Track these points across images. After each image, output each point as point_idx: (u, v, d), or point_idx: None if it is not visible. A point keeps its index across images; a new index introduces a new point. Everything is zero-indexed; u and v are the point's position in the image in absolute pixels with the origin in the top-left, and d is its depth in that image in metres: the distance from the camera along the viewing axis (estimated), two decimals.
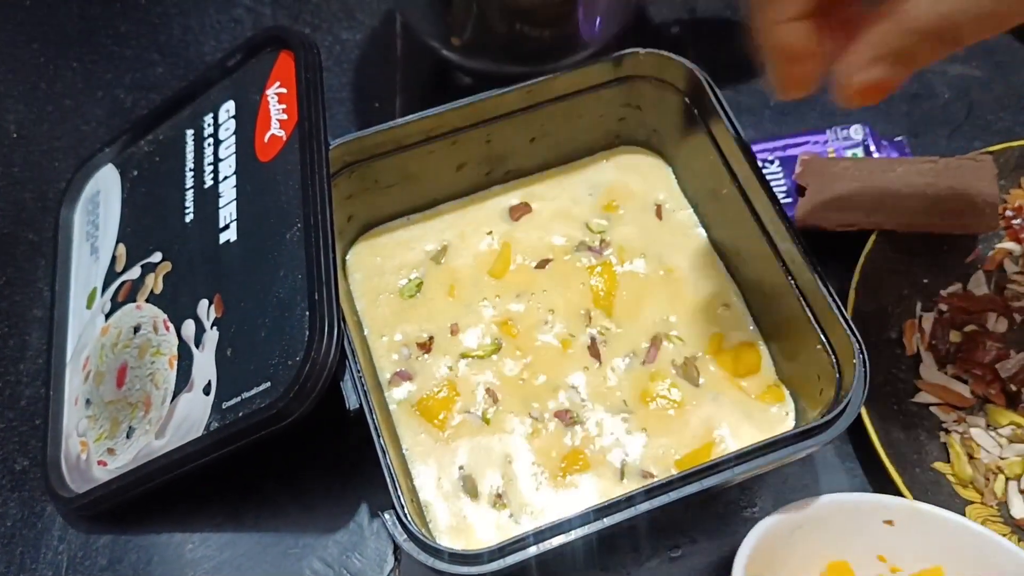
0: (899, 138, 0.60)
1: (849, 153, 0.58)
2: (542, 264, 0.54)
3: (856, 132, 0.59)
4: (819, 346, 0.46)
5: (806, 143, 0.59)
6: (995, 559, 0.41)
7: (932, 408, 0.51)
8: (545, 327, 0.52)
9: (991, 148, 0.56)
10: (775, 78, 0.37)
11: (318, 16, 0.68)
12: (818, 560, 0.43)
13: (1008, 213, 0.56)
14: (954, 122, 0.63)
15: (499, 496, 0.48)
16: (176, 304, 0.50)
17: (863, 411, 0.48)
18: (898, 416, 0.50)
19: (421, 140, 0.51)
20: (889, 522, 0.43)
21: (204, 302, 0.48)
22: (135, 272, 0.53)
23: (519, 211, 0.55)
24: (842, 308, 0.44)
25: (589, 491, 0.48)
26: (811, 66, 0.36)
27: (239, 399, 0.44)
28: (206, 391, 0.46)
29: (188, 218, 0.51)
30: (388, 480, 0.41)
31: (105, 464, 0.49)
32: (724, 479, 0.41)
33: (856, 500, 0.42)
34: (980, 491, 0.48)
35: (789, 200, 0.56)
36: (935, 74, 0.65)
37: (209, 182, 0.51)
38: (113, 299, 0.53)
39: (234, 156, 0.50)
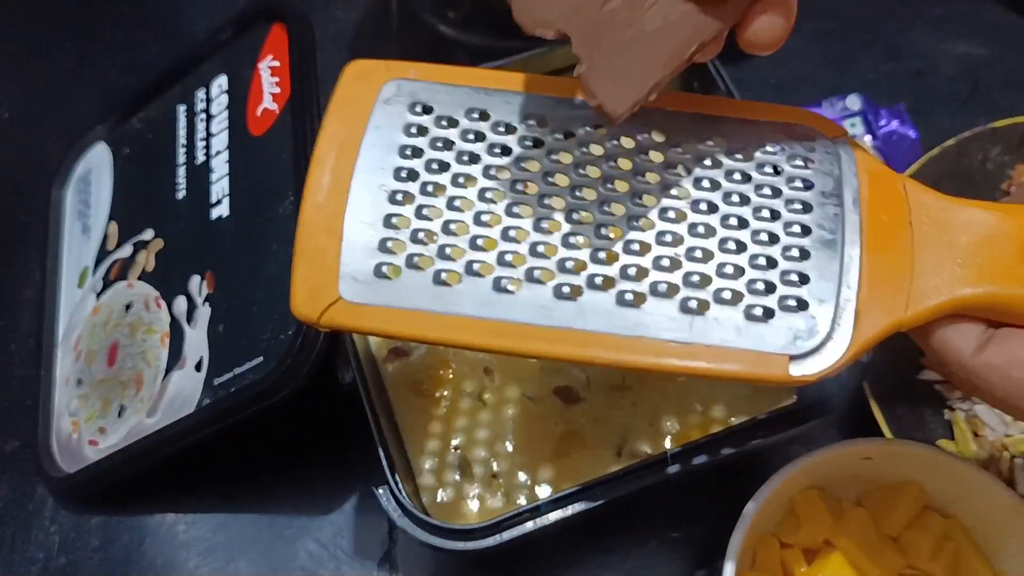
0: (898, 105, 0.59)
1: (848, 123, 0.57)
2: None
3: (853, 102, 0.59)
4: None
5: None
6: (967, 482, 0.42)
7: (937, 386, 0.50)
8: None
9: (996, 124, 0.55)
10: None
11: None
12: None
13: (1013, 189, 0.55)
14: (958, 99, 0.62)
15: (494, 476, 0.47)
16: (168, 281, 0.49)
17: (867, 389, 0.47)
18: (903, 394, 0.49)
19: None
20: (868, 458, 0.43)
21: (196, 278, 0.48)
22: (127, 250, 0.52)
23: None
24: None
25: (586, 470, 0.47)
26: None
27: (231, 375, 0.44)
28: (198, 368, 0.45)
29: (180, 194, 0.50)
30: (382, 456, 0.41)
31: (96, 443, 0.48)
32: (722, 454, 0.41)
33: (834, 449, 0.42)
34: (985, 469, 0.47)
35: None
36: (939, 52, 0.64)
37: (201, 158, 0.50)
38: (105, 278, 0.52)
39: (226, 131, 0.50)
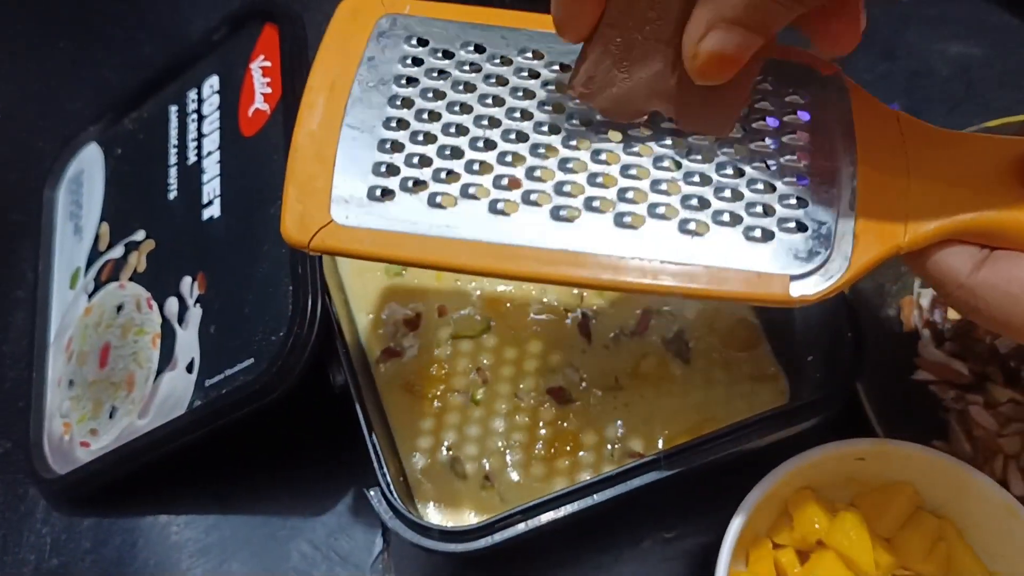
0: (892, 105, 0.59)
1: None
2: None
3: None
4: (813, 322, 0.45)
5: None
6: (961, 482, 0.42)
7: (931, 386, 0.50)
8: (535, 306, 0.51)
9: (989, 124, 0.55)
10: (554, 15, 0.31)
11: None
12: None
13: None
14: (953, 100, 0.62)
15: (487, 477, 0.47)
16: (159, 282, 0.49)
17: (860, 389, 0.47)
18: (896, 394, 0.49)
19: None
20: (861, 459, 0.43)
21: (187, 279, 0.47)
22: (118, 251, 0.52)
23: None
24: None
25: (579, 471, 0.47)
26: (589, 10, 0.30)
27: (222, 376, 0.43)
28: (189, 369, 0.45)
29: (171, 195, 0.50)
30: (373, 457, 0.41)
31: (88, 445, 0.48)
32: (716, 455, 0.40)
33: (827, 450, 0.42)
34: (979, 469, 0.47)
35: None
36: (933, 52, 0.64)
37: (193, 158, 0.50)
38: (96, 279, 0.52)
39: (218, 132, 0.49)
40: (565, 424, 0.48)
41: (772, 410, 0.41)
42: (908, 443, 0.42)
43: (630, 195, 0.31)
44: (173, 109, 0.52)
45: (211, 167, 0.49)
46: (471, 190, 0.31)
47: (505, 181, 0.31)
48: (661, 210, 0.30)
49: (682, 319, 0.50)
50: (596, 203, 0.30)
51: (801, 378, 0.48)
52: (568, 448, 0.47)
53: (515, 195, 0.31)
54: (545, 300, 0.51)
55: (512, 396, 0.49)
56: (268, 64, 0.48)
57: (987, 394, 0.49)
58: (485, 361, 0.50)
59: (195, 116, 0.51)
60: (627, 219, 0.30)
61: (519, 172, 0.31)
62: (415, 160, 0.31)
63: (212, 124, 0.50)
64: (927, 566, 0.42)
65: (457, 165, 0.31)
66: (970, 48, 0.64)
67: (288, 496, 0.50)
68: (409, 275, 0.52)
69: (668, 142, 0.31)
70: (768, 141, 0.31)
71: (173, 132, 0.52)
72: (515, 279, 0.32)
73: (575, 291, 0.51)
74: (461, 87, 0.33)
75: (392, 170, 0.31)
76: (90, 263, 0.53)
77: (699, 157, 0.31)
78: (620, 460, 0.47)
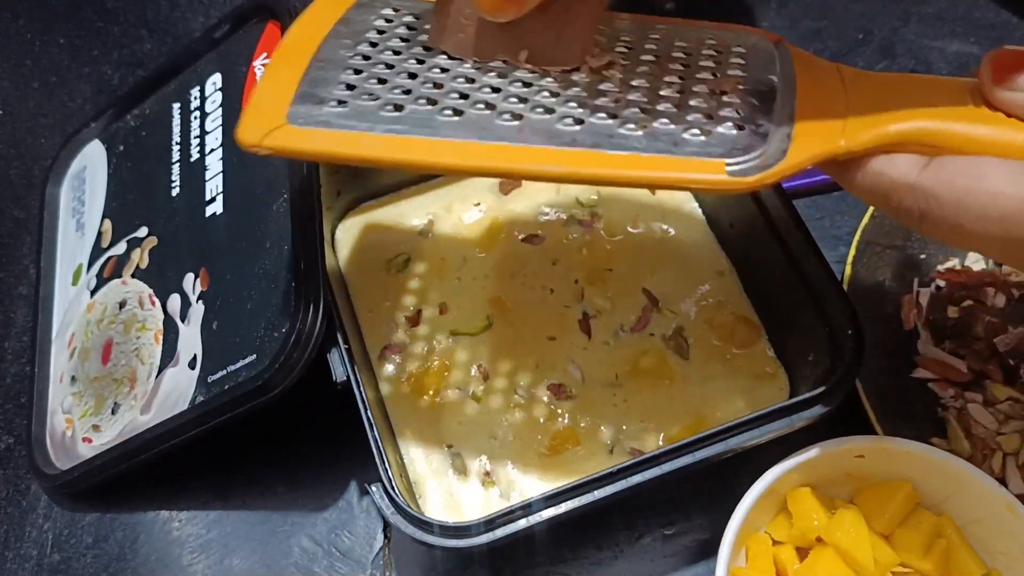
0: None
1: None
2: (530, 238, 0.53)
3: None
4: (813, 319, 0.45)
5: None
6: (960, 480, 0.42)
7: (930, 384, 0.50)
8: (536, 303, 0.51)
9: None
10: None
11: None
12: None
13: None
14: None
15: (488, 474, 0.47)
16: (162, 278, 0.49)
17: (859, 387, 0.47)
18: (895, 392, 0.49)
19: None
20: (860, 456, 0.43)
21: (190, 276, 0.47)
22: (121, 247, 0.52)
23: (509, 185, 0.55)
24: (837, 280, 0.44)
25: (579, 468, 0.47)
26: None
27: (225, 372, 0.44)
28: (191, 365, 0.45)
29: (174, 192, 0.50)
30: (375, 453, 0.41)
31: (90, 441, 0.48)
32: (715, 451, 0.41)
33: (826, 447, 0.43)
34: (977, 467, 0.48)
35: None
36: (932, 50, 0.64)
37: (195, 155, 0.50)
38: (99, 275, 0.52)
39: (221, 129, 0.50)
40: (565, 420, 0.48)
41: (771, 407, 0.41)
42: (907, 441, 0.42)
43: (572, 103, 0.33)
44: (176, 106, 0.52)
45: (214, 164, 0.49)
46: (421, 100, 0.33)
47: (455, 94, 0.33)
48: (603, 111, 0.32)
49: (684, 317, 0.50)
50: (540, 108, 0.33)
51: (800, 375, 0.48)
52: (568, 444, 0.47)
53: (465, 103, 0.33)
54: (546, 297, 0.51)
55: (512, 393, 0.49)
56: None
57: (986, 392, 0.50)
58: (485, 358, 0.50)
59: (198, 113, 0.51)
60: (568, 120, 0.32)
61: (470, 87, 0.33)
62: (373, 80, 0.34)
63: (215, 121, 0.50)
64: (926, 563, 0.42)
65: (412, 84, 0.34)
66: (968, 46, 0.64)
67: (289, 492, 0.50)
68: (410, 271, 0.52)
69: (614, 61, 0.34)
70: (712, 73, 0.34)
71: (176, 129, 0.52)
72: (461, 172, 0.36)
73: (573, 287, 0.51)
74: (425, 36, 0.36)
75: (350, 86, 0.34)
76: (92, 259, 0.53)
77: (644, 69, 0.33)
78: (620, 456, 0.47)
